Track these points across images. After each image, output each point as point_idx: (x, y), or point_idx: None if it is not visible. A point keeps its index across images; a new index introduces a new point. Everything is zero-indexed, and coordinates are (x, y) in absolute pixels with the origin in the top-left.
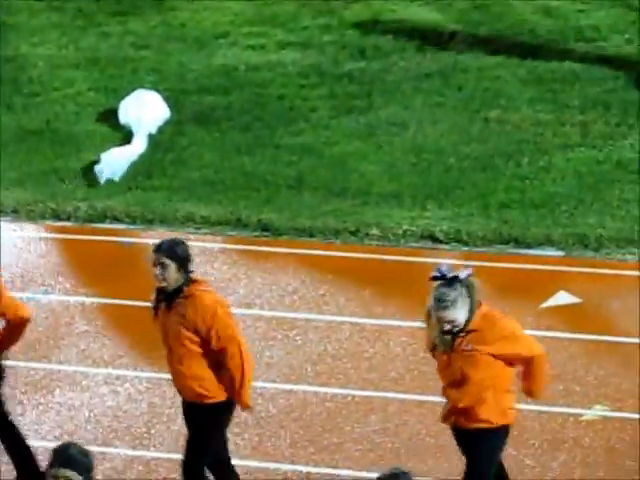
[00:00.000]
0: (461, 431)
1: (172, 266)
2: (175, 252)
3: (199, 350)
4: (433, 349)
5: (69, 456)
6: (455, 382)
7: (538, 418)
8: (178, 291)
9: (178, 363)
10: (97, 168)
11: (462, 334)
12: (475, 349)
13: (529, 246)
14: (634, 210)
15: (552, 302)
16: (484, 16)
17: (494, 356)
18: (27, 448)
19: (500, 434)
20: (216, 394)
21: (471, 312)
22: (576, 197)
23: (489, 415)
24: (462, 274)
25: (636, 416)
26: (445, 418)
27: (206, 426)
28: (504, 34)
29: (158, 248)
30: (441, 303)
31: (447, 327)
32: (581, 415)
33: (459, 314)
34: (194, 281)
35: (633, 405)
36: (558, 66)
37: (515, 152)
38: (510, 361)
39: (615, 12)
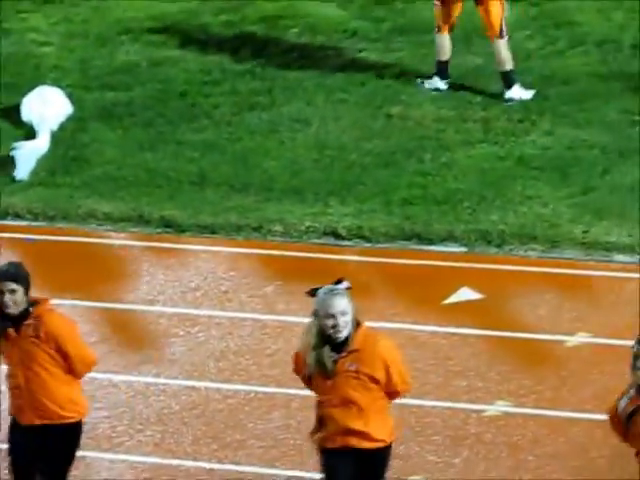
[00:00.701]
0: (353, 451)
1: (20, 290)
2: (21, 276)
3: (58, 369)
4: (310, 377)
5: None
6: (340, 404)
7: (441, 414)
8: (25, 314)
9: (35, 385)
10: (17, 163)
11: (344, 354)
12: (359, 370)
13: (431, 242)
14: (536, 206)
15: (454, 298)
16: (386, 12)
17: (372, 378)
18: None
19: (390, 452)
20: (73, 413)
21: (352, 327)
22: (478, 193)
23: (382, 434)
24: (345, 284)
25: (537, 412)
26: (327, 440)
27: (66, 447)
28: (406, 30)
29: (4, 276)
30: (334, 291)
31: (340, 320)
32: (484, 411)
33: (350, 310)
34: (38, 301)
35: (535, 401)
36: (460, 62)
37: (417, 148)
38: (381, 387)
39: (517, 8)
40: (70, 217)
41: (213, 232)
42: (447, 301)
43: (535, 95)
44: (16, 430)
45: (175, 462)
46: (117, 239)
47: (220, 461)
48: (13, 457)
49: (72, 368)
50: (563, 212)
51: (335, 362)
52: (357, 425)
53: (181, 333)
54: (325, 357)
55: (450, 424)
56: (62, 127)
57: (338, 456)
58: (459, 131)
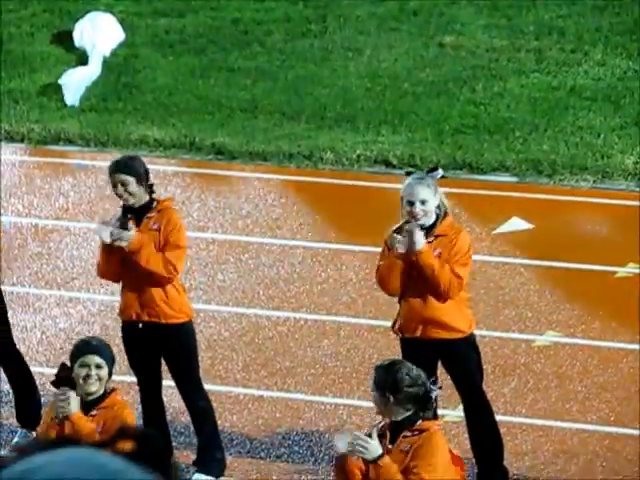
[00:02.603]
0: (429, 342)
1: (132, 181)
2: (133, 167)
3: None
4: (397, 254)
5: (97, 346)
6: (419, 289)
7: (490, 343)
8: (148, 206)
9: (144, 280)
10: (68, 89)
11: (430, 239)
12: (442, 255)
13: (483, 171)
14: (587, 137)
15: (505, 228)
16: None
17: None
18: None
19: (472, 342)
20: (181, 314)
21: (438, 216)
22: (530, 123)
23: (461, 325)
24: (438, 172)
25: (587, 342)
26: (406, 329)
27: (182, 346)
28: None
29: (115, 168)
30: (418, 179)
31: (419, 209)
32: (533, 341)
33: (432, 198)
34: (163, 200)
35: (584, 331)
36: None
37: (469, 78)
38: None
39: None
40: (121, 143)
41: (264, 159)
42: (498, 230)
43: (588, 25)
44: (127, 330)
45: (224, 389)
46: (168, 165)
47: (269, 388)
48: (130, 357)
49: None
50: (615, 142)
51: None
52: (435, 314)
53: (231, 260)
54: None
55: (499, 354)
56: (114, 53)
57: (418, 346)
58: (512, 60)
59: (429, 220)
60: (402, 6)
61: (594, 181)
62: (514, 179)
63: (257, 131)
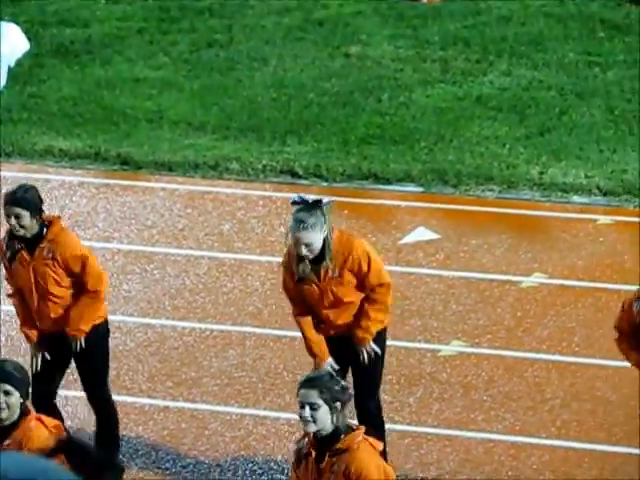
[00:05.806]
0: (344, 338)
1: (26, 215)
2: (27, 200)
3: (73, 290)
4: (299, 282)
5: (7, 372)
6: (330, 305)
7: (395, 353)
8: (39, 236)
9: (49, 307)
10: None
11: (324, 264)
12: (341, 274)
13: (388, 182)
14: (493, 146)
15: (411, 238)
16: None
17: (355, 275)
18: None
19: (384, 336)
20: (88, 327)
21: (327, 239)
22: (435, 133)
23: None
24: (324, 200)
25: (492, 352)
26: (324, 331)
27: (97, 350)
28: None
29: (9, 200)
30: (300, 224)
31: (304, 251)
32: (439, 351)
33: (316, 238)
34: (50, 222)
35: (490, 341)
36: (418, 2)
37: (375, 88)
38: (361, 283)
39: None
40: (27, 153)
41: (170, 170)
42: (403, 241)
43: (494, 36)
44: (41, 339)
45: (130, 399)
46: (73, 176)
47: (175, 399)
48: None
49: (85, 287)
50: (520, 152)
51: (317, 273)
52: (344, 319)
53: (137, 270)
54: (308, 269)
55: (405, 363)
56: (19, 63)
57: (336, 343)
58: (417, 71)
59: (316, 253)
60: (307, 16)
61: (499, 191)
62: (420, 189)
63: (162, 141)
